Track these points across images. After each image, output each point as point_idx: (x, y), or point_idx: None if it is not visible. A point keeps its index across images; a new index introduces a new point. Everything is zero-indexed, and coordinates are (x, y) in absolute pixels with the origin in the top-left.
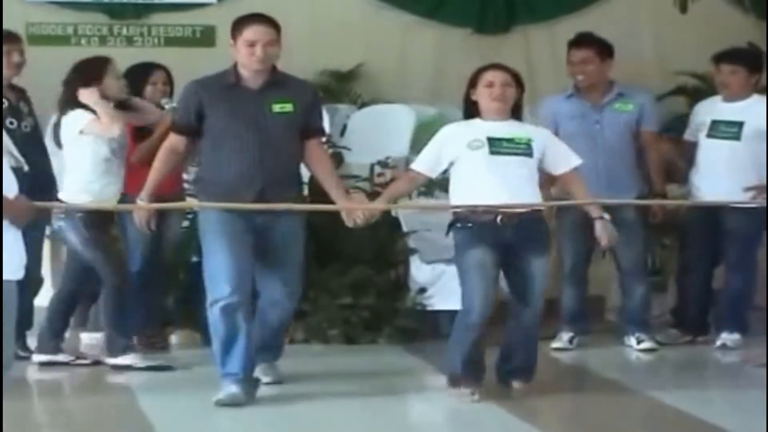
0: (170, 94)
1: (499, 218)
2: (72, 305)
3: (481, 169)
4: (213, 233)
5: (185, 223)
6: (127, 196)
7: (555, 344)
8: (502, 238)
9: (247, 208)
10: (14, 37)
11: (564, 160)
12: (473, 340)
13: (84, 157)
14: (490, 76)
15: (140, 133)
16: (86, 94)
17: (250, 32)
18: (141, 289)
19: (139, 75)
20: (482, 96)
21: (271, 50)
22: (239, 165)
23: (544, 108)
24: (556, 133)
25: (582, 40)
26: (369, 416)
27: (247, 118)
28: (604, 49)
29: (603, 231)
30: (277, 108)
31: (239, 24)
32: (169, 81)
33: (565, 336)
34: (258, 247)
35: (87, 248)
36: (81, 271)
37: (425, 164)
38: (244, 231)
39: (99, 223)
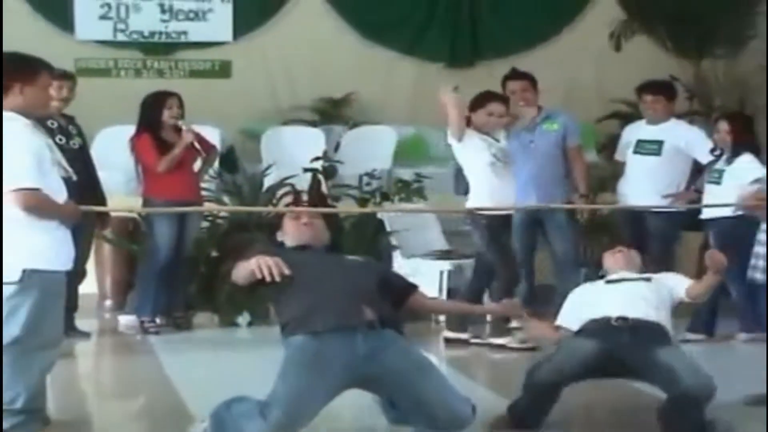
0: (182, 116)
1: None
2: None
3: None
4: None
5: (204, 224)
6: (150, 200)
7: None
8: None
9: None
10: (69, 76)
11: None
12: None
13: None
14: None
15: (163, 148)
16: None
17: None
18: (168, 277)
19: (157, 101)
20: None
21: None
22: None
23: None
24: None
25: (519, 74)
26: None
27: None
28: (534, 80)
29: None
30: None
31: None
32: (181, 105)
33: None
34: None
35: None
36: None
37: None
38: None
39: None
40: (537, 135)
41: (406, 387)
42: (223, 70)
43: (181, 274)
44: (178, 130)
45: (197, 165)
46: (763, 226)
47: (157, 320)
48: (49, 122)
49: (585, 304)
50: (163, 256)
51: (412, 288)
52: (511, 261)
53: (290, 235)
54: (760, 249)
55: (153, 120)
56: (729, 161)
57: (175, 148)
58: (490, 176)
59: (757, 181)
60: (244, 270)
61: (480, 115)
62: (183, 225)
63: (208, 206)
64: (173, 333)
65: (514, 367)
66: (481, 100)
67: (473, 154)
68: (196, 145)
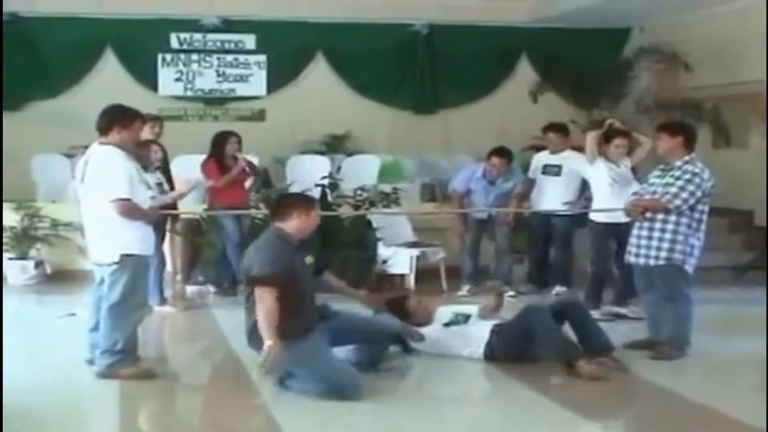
0: (240, 149)
1: None
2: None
3: None
4: None
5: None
6: (213, 206)
7: (460, 293)
8: None
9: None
10: (159, 118)
11: None
12: None
13: None
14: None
15: (224, 170)
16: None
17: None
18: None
19: (223, 138)
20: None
21: None
22: None
23: (464, 173)
24: (468, 192)
25: (502, 152)
26: None
27: None
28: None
29: None
30: None
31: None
32: (239, 141)
33: (465, 288)
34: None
35: None
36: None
37: None
38: None
39: None
40: (496, 189)
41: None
42: (259, 115)
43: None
44: (235, 158)
45: (248, 183)
46: (636, 224)
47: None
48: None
49: None
50: (233, 246)
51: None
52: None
53: (297, 227)
54: (633, 239)
55: (219, 151)
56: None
57: (232, 171)
58: (607, 192)
59: (635, 193)
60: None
61: (609, 147)
62: (240, 223)
63: (250, 211)
64: (223, 297)
65: None
66: (609, 135)
67: (599, 175)
68: (247, 169)
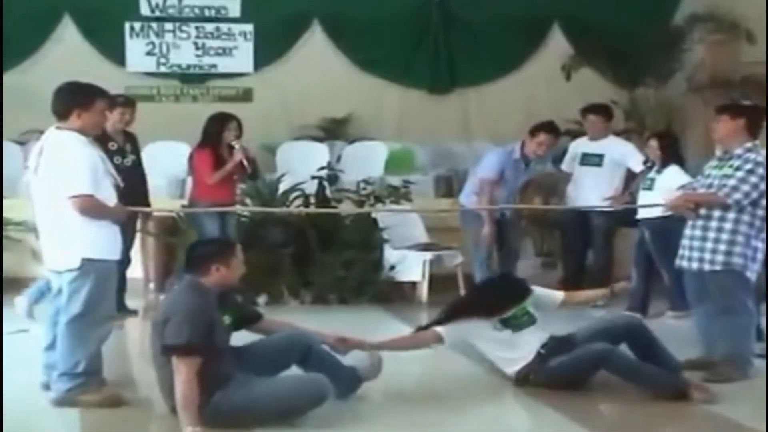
0: (239, 137)
1: None
2: None
3: None
4: None
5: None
6: (197, 203)
7: None
8: None
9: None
10: (131, 102)
11: None
12: None
13: None
14: None
15: (218, 163)
16: None
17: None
18: None
19: (219, 122)
20: None
21: None
22: None
23: (494, 155)
24: (502, 174)
25: (551, 127)
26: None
27: None
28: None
29: None
30: None
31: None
32: (239, 127)
33: None
34: None
35: None
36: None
37: None
38: None
39: None
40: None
41: None
42: (245, 95)
43: None
44: (231, 148)
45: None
46: (689, 222)
47: None
48: (110, 144)
49: None
50: None
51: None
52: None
53: (218, 282)
54: (686, 241)
55: (214, 138)
56: (659, 171)
57: (227, 165)
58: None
59: (682, 187)
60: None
61: None
62: (224, 222)
63: (235, 207)
64: None
65: None
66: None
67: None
68: (245, 162)
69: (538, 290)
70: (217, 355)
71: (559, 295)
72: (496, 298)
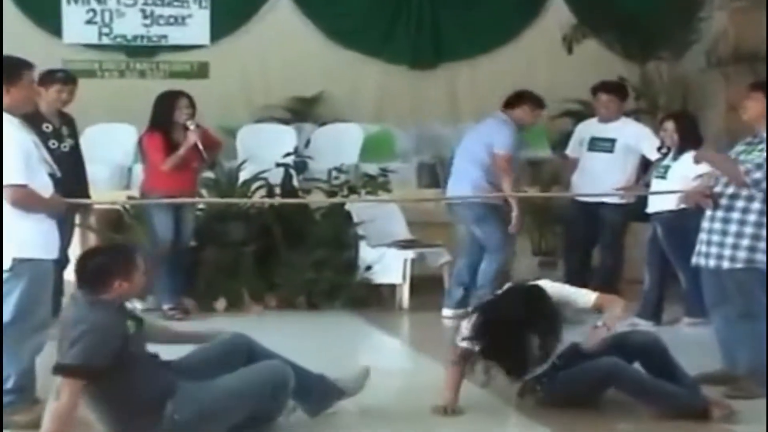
0: (193, 116)
1: None
2: None
3: None
4: None
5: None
6: (149, 194)
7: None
8: None
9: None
10: (71, 79)
11: None
12: None
13: None
14: None
15: (171, 147)
16: None
17: None
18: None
19: (169, 101)
20: None
21: None
22: None
23: (508, 124)
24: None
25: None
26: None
27: None
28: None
29: None
30: None
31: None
32: (192, 105)
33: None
34: None
35: None
36: None
37: None
38: None
39: None
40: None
41: None
42: (200, 71)
43: (180, 264)
44: (186, 129)
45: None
46: (708, 214)
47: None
48: (44, 126)
49: None
50: (163, 247)
51: None
52: None
53: (119, 296)
54: (703, 235)
55: (164, 119)
56: (675, 158)
57: (180, 149)
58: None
59: (700, 176)
60: None
61: None
62: (179, 217)
63: (187, 199)
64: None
65: None
66: None
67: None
68: (200, 146)
69: (566, 289)
70: (142, 367)
71: (591, 297)
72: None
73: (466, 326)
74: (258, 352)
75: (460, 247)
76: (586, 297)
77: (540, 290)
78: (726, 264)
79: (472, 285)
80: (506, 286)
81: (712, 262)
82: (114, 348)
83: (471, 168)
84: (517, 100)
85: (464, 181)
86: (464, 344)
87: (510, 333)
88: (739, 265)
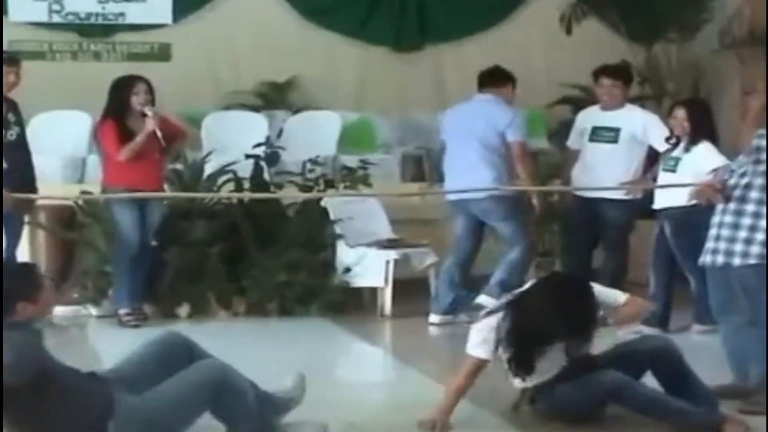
0: (152, 103)
1: None
2: None
3: None
4: None
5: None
6: (110, 189)
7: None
8: None
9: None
10: (14, 60)
11: None
12: None
13: None
14: None
15: (127, 135)
16: None
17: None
18: (137, 267)
19: (124, 86)
20: None
21: None
22: None
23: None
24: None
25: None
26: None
27: None
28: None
29: None
30: None
31: None
32: (150, 91)
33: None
34: None
35: None
36: None
37: None
38: None
39: None
40: None
41: None
42: (162, 53)
43: (140, 265)
44: (144, 116)
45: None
46: (719, 207)
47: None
48: None
49: None
50: (127, 246)
51: None
52: None
53: (27, 317)
54: (713, 230)
55: (120, 106)
56: (686, 149)
57: (137, 137)
58: None
59: (714, 171)
60: None
61: None
62: (144, 214)
63: (144, 193)
64: (110, 324)
65: None
66: None
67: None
68: (158, 133)
69: (595, 286)
70: (73, 389)
71: (621, 297)
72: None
73: (485, 330)
74: (197, 351)
75: (450, 246)
76: (616, 297)
77: (582, 283)
78: (737, 260)
79: (461, 288)
80: (531, 281)
81: (720, 259)
82: (29, 370)
83: (489, 155)
84: (505, 77)
85: (480, 171)
86: (480, 353)
87: (542, 334)
88: (751, 261)
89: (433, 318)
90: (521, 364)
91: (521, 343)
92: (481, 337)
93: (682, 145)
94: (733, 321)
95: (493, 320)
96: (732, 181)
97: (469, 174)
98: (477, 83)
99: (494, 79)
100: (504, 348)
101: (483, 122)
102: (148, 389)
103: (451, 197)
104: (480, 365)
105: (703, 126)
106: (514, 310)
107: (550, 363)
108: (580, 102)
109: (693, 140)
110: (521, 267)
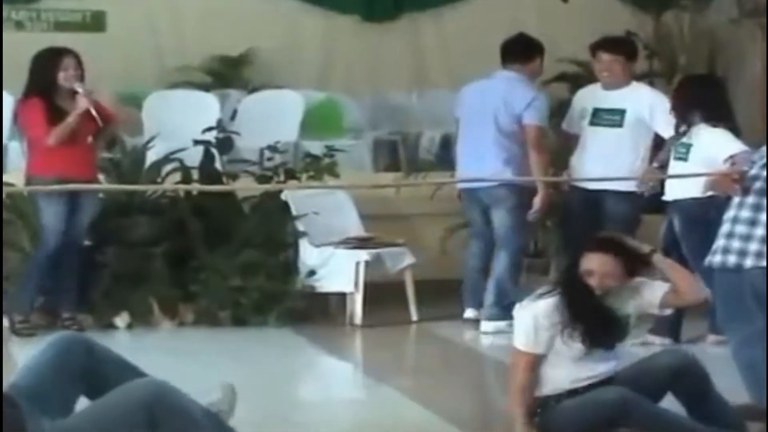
0: (81, 79)
1: None
2: None
3: None
4: None
5: None
6: (36, 179)
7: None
8: None
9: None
10: None
11: None
12: None
13: None
14: None
15: (56, 116)
16: None
17: None
18: (56, 270)
19: (49, 60)
20: None
21: None
22: None
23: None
24: None
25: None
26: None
27: None
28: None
29: None
30: None
31: None
32: (79, 65)
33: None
34: None
35: None
36: None
37: None
38: None
39: None
40: None
41: None
42: (95, 22)
43: (73, 267)
44: (74, 94)
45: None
46: (736, 201)
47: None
48: None
49: None
50: (50, 245)
51: None
52: None
53: None
54: (726, 227)
55: (45, 83)
56: (697, 134)
57: (68, 117)
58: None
59: (731, 158)
60: None
61: None
62: (75, 208)
63: (78, 185)
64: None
65: None
66: None
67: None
68: (94, 112)
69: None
70: None
71: (661, 288)
72: None
73: (539, 316)
74: (98, 352)
75: (473, 230)
76: (657, 289)
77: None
78: (750, 261)
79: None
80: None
81: (732, 259)
82: None
83: (505, 142)
84: (530, 49)
85: (493, 160)
86: (531, 346)
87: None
88: (765, 263)
89: (470, 313)
90: (601, 332)
91: (595, 313)
92: (531, 327)
93: (692, 129)
94: (743, 331)
95: (545, 305)
96: (753, 172)
97: (481, 161)
98: (500, 56)
99: (518, 51)
100: (572, 327)
101: (501, 104)
102: (51, 402)
103: (462, 186)
104: (534, 359)
105: (716, 107)
106: (573, 287)
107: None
108: (579, 79)
109: (705, 123)
110: (511, 276)
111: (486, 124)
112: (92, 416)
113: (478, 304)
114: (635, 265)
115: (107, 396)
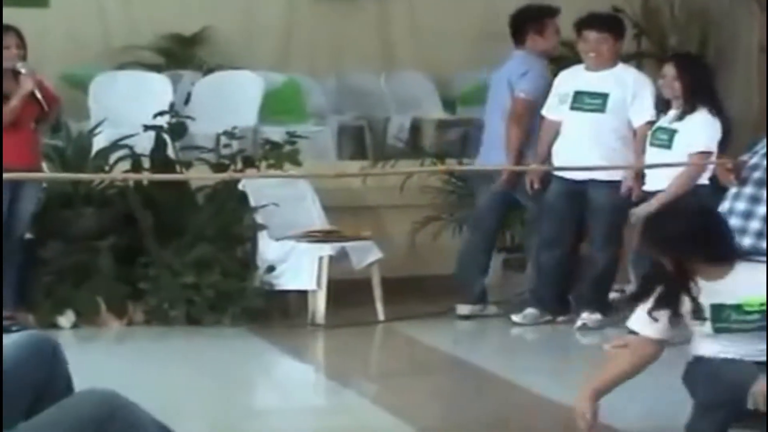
0: (24, 58)
1: None
2: None
3: None
4: None
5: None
6: None
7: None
8: None
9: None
10: None
11: None
12: None
13: None
14: None
15: None
16: None
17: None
18: None
19: None
20: None
21: None
22: None
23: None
24: None
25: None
26: (208, 403)
27: None
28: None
29: None
30: None
31: None
32: (22, 44)
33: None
34: None
35: None
36: None
37: None
38: None
39: None
40: None
41: None
42: None
43: (13, 261)
44: (16, 75)
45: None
46: (731, 192)
47: None
48: None
49: None
50: None
51: None
52: None
53: None
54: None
55: None
56: (680, 117)
57: (12, 99)
58: None
59: (705, 152)
60: None
61: None
62: (15, 199)
63: (18, 174)
64: None
65: None
66: None
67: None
68: (38, 95)
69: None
70: None
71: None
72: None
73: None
74: (59, 356)
75: (471, 219)
76: None
77: None
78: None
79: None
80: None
81: None
82: None
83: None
84: (544, 14)
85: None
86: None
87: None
88: (762, 259)
89: (462, 309)
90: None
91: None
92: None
93: (673, 112)
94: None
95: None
96: (753, 161)
97: (492, 148)
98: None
99: (527, 25)
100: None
101: (505, 86)
102: (15, 406)
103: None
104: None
105: (698, 88)
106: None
107: None
108: (561, 60)
109: (689, 106)
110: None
111: (496, 110)
112: (39, 428)
113: (474, 300)
114: None
115: (58, 406)
